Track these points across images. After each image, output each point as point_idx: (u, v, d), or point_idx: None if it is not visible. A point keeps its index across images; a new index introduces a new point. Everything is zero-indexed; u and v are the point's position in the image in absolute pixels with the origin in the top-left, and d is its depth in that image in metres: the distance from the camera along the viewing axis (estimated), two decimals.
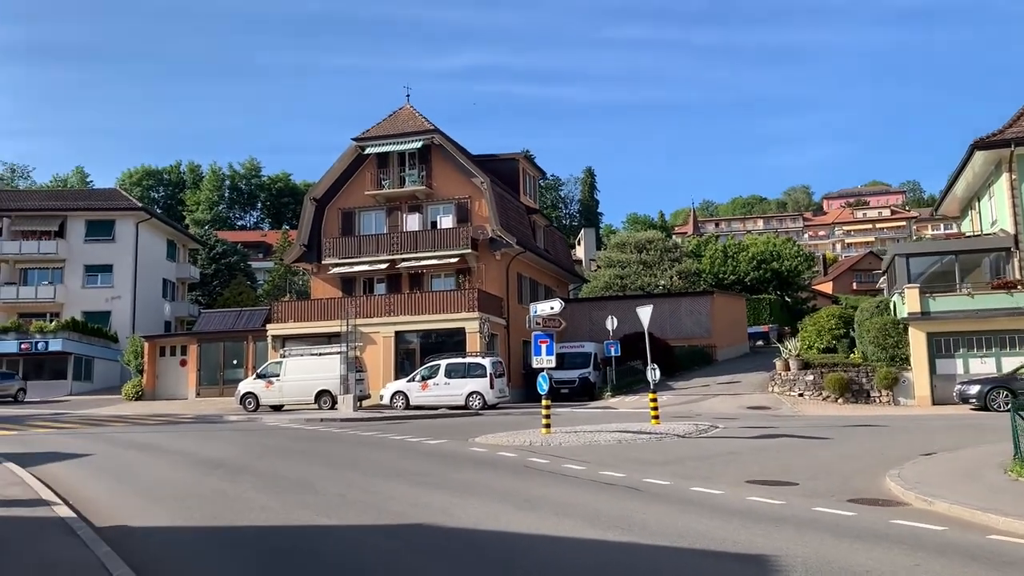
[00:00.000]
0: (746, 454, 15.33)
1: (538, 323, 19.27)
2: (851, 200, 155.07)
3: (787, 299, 63.29)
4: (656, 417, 20.21)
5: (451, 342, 34.65)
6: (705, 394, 31.90)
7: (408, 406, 30.49)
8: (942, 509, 9.61)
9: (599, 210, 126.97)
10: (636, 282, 58.02)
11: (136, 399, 39.81)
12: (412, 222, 39.15)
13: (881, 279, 40.62)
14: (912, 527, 8.80)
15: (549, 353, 19.04)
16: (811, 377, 29.97)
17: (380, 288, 39.24)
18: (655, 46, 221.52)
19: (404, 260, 37.93)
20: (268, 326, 37.94)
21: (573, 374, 34.50)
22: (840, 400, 28.82)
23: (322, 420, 25.80)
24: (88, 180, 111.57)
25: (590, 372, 35.34)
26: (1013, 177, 29.01)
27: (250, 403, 32.03)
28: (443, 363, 31.12)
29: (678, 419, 22.44)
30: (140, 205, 58.68)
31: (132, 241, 53.64)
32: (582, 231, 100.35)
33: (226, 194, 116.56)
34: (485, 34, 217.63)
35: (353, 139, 39.44)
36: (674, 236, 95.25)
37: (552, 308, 19.43)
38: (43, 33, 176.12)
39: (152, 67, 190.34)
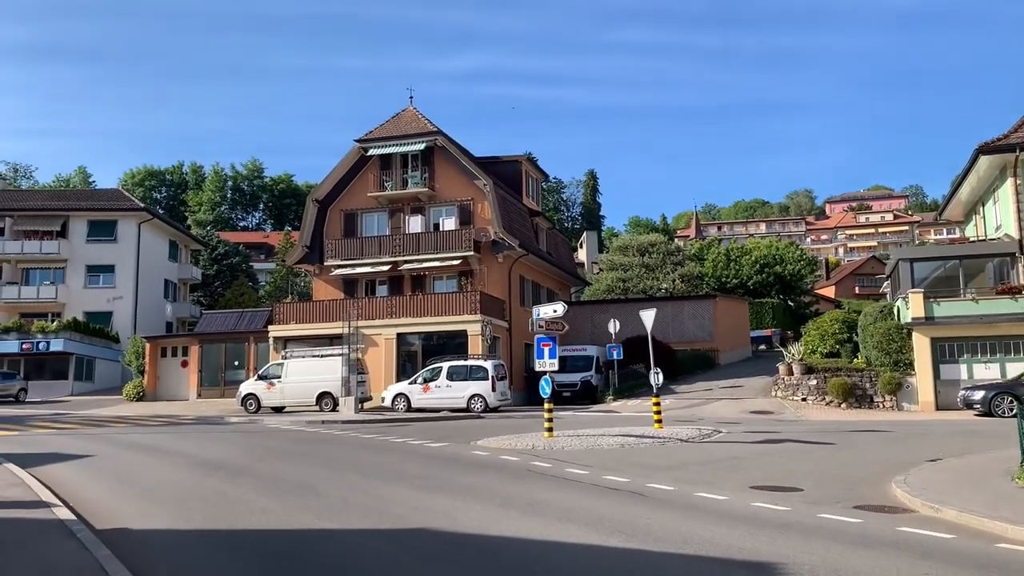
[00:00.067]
0: (749, 459, 15.24)
1: (541, 326, 19.20)
2: (854, 204, 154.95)
3: (790, 303, 63.23)
4: (659, 421, 20.12)
5: (453, 344, 34.56)
6: (707, 398, 31.80)
7: (410, 408, 30.40)
8: (950, 517, 9.51)
9: (601, 213, 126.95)
10: (638, 285, 57.96)
11: (137, 400, 39.75)
12: (414, 224, 39.08)
13: (885, 283, 40.51)
14: (920, 535, 8.71)
15: (552, 356, 18.97)
16: (814, 382, 29.87)
17: (382, 290, 39.16)
18: (657, 49, 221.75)
19: (406, 262, 37.84)
20: (270, 327, 37.87)
21: (575, 377, 34.38)
22: (843, 405, 28.72)
23: (323, 422, 25.73)
24: (90, 180, 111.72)
25: (592, 375, 35.22)
26: (1018, 182, 28.94)
27: (251, 405, 31.95)
28: (445, 365, 31.03)
29: (681, 423, 22.36)
30: (142, 205, 58.68)
31: (134, 241, 53.62)
32: (584, 234, 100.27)
33: (228, 195, 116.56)
34: (488, 36, 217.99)
35: (356, 140, 39.38)
36: (676, 239, 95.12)
37: (555, 311, 19.36)
38: (46, 33, 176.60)
39: (155, 67, 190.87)
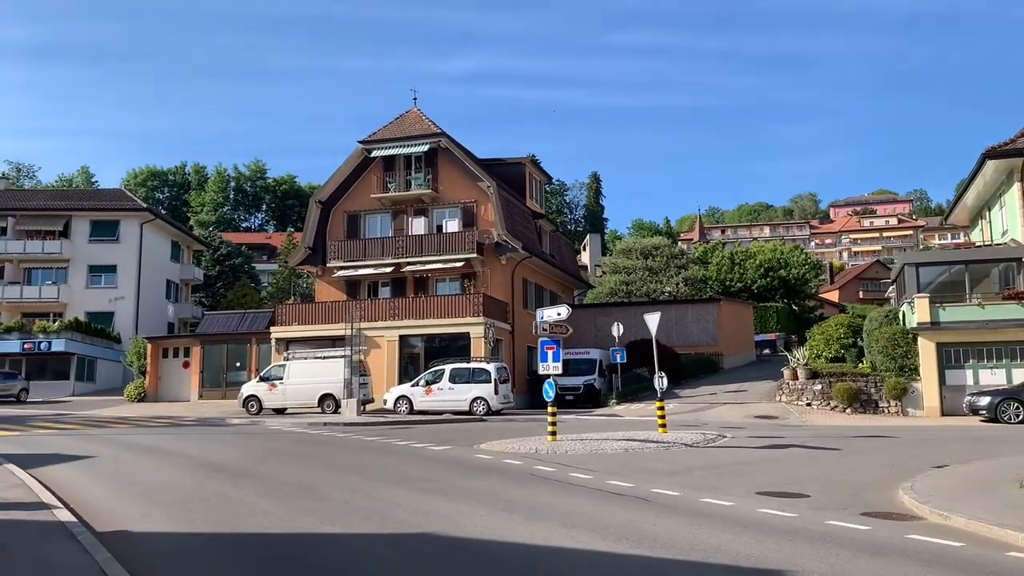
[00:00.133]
0: (755, 464, 15.13)
1: (545, 329, 19.07)
2: (858, 208, 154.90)
3: (794, 307, 63.12)
4: (663, 426, 20.00)
5: (455, 347, 34.49)
6: (712, 402, 31.69)
7: (412, 411, 30.32)
8: (959, 524, 9.40)
9: (604, 215, 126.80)
10: (642, 288, 57.84)
11: (138, 401, 39.71)
12: (418, 226, 39.01)
13: (890, 288, 40.36)
14: (929, 543, 8.60)
15: (556, 359, 18.85)
16: (819, 387, 29.74)
17: (385, 292, 39.09)
18: (660, 51, 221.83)
19: (409, 264, 37.77)
20: (272, 329, 37.81)
21: (578, 381, 34.26)
22: (848, 410, 28.60)
23: (325, 424, 25.64)
24: (93, 180, 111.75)
25: (595, 379, 35.11)
26: None
27: (253, 406, 31.88)
28: (447, 368, 30.96)
29: (685, 428, 22.25)
30: (145, 206, 58.65)
31: (136, 242, 53.60)
32: (587, 236, 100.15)
33: (231, 196, 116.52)
34: (490, 38, 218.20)
35: (359, 141, 39.33)
36: (680, 242, 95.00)
37: (559, 314, 19.23)
38: (50, 33, 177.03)
39: (158, 68, 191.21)
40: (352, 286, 39.33)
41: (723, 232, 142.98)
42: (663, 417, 20.24)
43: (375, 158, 39.19)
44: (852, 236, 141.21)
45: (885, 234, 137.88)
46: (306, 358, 32.69)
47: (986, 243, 33.10)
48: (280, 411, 32.05)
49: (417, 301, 36.48)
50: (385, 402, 31.43)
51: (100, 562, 7.53)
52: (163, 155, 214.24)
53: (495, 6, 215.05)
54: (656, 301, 50.69)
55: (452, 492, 11.83)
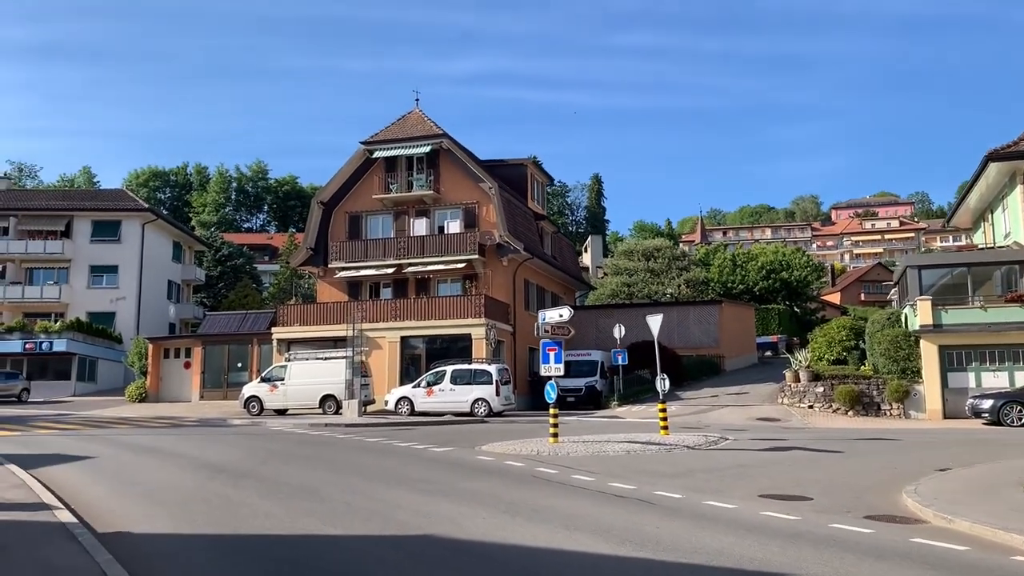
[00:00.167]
0: (757, 467, 15.09)
1: (547, 331, 19.04)
2: (859, 211, 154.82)
3: (796, 309, 63.03)
4: (665, 428, 19.96)
5: (457, 348, 34.47)
6: (713, 405, 31.65)
7: (413, 412, 30.30)
8: (963, 528, 9.36)
9: (606, 217, 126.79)
10: (643, 290, 57.77)
11: (139, 401, 39.71)
12: (419, 227, 39.01)
13: (892, 290, 40.31)
14: (933, 546, 8.56)
15: (558, 361, 18.82)
16: (821, 389, 29.70)
17: (386, 293, 39.09)
18: (662, 52, 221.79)
19: (411, 265, 37.76)
20: (273, 329, 37.80)
21: (579, 382, 34.20)
22: (850, 413, 28.55)
23: (326, 425, 25.62)
24: (95, 180, 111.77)
25: (597, 380, 35.06)
26: None
27: (254, 407, 31.87)
28: (449, 369, 30.94)
29: (687, 430, 22.20)
30: (146, 206, 58.65)
31: (138, 242, 53.61)
32: (589, 238, 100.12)
33: (232, 196, 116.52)
34: (492, 39, 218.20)
35: (361, 142, 39.34)
36: (681, 244, 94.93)
37: (561, 315, 19.20)
38: (52, 33, 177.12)
39: (160, 68, 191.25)
40: (354, 287, 39.33)
41: (724, 234, 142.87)
42: (665, 419, 20.20)
43: (377, 159, 39.18)
44: (853, 238, 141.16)
45: (887, 236, 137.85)
46: (307, 359, 32.68)
47: (989, 246, 33.06)
48: (281, 412, 32.04)
49: (419, 302, 36.47)
50: (386, 403, 31.41)
51: (101, 563, 7.49)
52: (165, 155, 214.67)
53: (496, 7, 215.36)
54: (658, 303, 50.62)
55: (454, 494, 11.79)
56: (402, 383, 33.37)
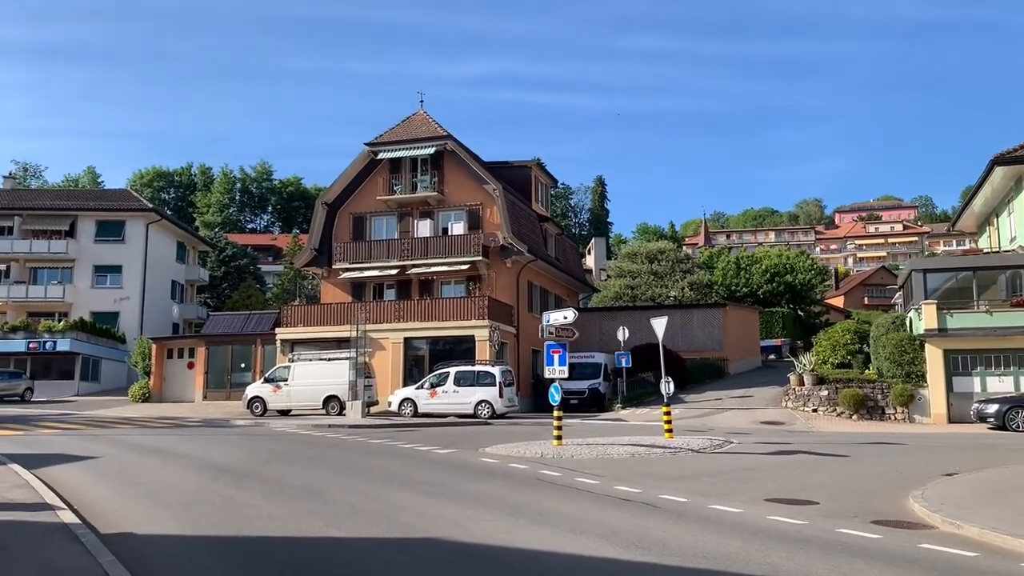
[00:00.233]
0: (762, 471, 15.02)
1: (551, 332, 18.97)
2: (863, 214, 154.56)
3: (800, 313, 62.90)
4: (670, 431, 19.89)
5: (460, 350, 34.43)
6: (717, 408, 31.57)
7: (416, 413, 30.26)
8: (972, 534, 9.27)
9: (609, 219, 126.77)
10: (647, 293, 57.71)
11: (143, 401, 39.72)
12: (423, 228, 38.99)
13: (896, 294, 40.23)
14: (942, 552, 8.49)
15: (562, 363, 18.75)
16: (825, 392, 29.60)
17: (390, 294, 39.06)
18: (666, 56, 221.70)
19: (415, 266, 37.75)
20: (277, 330, 37.79)
21: (583, 385, 34.13)
22: (855, 416, 28.46)
23: (330, 426, 25.59)
24: (99, 180, 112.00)
25: (600, 383, 34.99)
26: None
27: (257, 407, 31.85)
28: (452, 371, 30.89)
29: (691, 433, 22.13)
30: (150, 206, 58.68)
31: (142, 242, 53.63)
32: (592, 240, 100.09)
33: (237, 197, 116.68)
34: (496, 42, 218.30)
35: (366, 144, 39.32)
36: (685, 247, 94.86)
37: (565, 317, 19.12)
38: (57, 34, 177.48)
39: (165, 69, 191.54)
40: (357, 288, 39.31)
41: (728, 237, 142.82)
42: (669, 422, 20.14)
43: (381, 160, 39.16)
44: (857, 242, 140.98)
45: (890, 240, 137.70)
46: (311, 360, 32.66)
47: (994, 250, 32.98)
48: (285, 412, 32.01)
49: (422, 303, 36.44)
50: (390, 404, 31.38)
51: (104, 564, 7.45)
52: (169, 156, 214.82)
53: (500, 10, 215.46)
54: (661, 306, 50.56)
55: (458, 496, 11.74)
56: (405, 384, 33.34)
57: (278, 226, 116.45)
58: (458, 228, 38.58)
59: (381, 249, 38.49)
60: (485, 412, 29.57)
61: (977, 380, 27.71)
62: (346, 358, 30.70)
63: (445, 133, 38.89)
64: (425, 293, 38.24)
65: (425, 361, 35.34)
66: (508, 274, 37.78)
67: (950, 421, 27.28)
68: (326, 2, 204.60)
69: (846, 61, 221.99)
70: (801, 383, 30.57)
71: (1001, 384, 27.23)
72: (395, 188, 39.33)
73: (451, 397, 30.25)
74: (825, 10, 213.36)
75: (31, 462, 14.92)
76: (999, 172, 29.40)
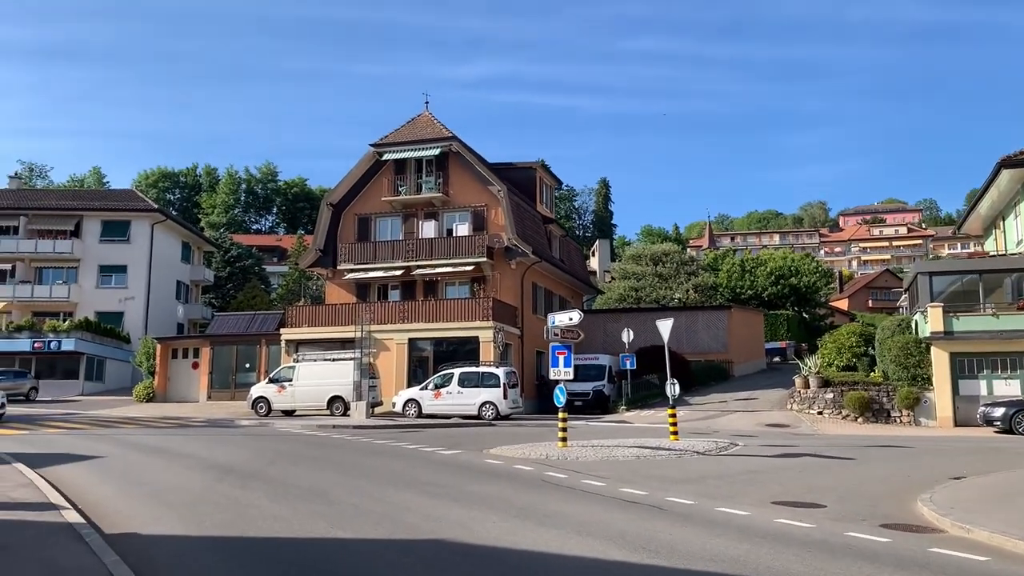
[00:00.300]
0: (768, 473, 14.95)
1: (556, 334, 18.92)
2: (867, 217, 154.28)
3: (804, 315, 62.80)
4: (675, 433, 19.83)
5: (464, 351, 34.39)
6: (722, 410, 31.47)
7: (420, 414, 30.21)
8: (982, 538, 9.20)
9: (613, 221, 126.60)
10: (651, 295, 57.65)
11: (147, 401, 39.72)
12: (428, 229, 38.96)
13: (902, 297, 40.11)
14: (952, 556, 8.41)
15: (567, 365, 18.68)
16: (831, 395, 29.50)
17: (394, 295, 39.04)
18: (671, 59, 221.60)
19: (419, 267, 37.72)
20: (282, 330, 37.80)
21: (587, 386, 34.08)
22: (860, 419, 28.35)
23: (334, 426, 25.57)
24: (104, 180, 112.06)
25: (604, 385, 34.94)
26: None
27: (262, 408, 31.84)
28: (456, 372, 30.85)
29: (696, 435, 22.07)
30: (156, 206, 58.72)
31: (147, 242, 53.64)
32: (596, 242, 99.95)
33: (242, 198, 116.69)
34: (501, 44, 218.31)
35: (371, 145, 39.31)
36: (689, 249, 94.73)
37: (571, 319, 19.07)
38: (62, 34, 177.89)
39: (170, 69, 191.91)
40: (362, 288, 39.30)
41: (732, 239, 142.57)
42: (675, 424, 20.07)
43: (386, 161, 39.14)
44: (861, 245, 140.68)
45: (894, 243, 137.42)
46: (315, 360, 32.64)
47: (1000, 253, 32.84)
48: (289, 413, 32.00)
49: (427, 304, 36.40)
50: (394, 405, 31.34)
51: (108, 565, 7.43)
52: (174, 156, 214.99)
53: (505, 12, 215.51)
54: (666, 308, 50.51)
55: (463, 498, 11.69)
56: (410, 385, 33.31)
57: (283, 227, 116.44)
58: (463, 229, 38.55)
59: (386, 250, 38.48)
60: (489, 413, 29.52)
61: (983, 383, 27.59)
62: (350, 359, 30.69)
63: (450, 134, 38.86)
64: (429, 294, 38.21)
65: (429, 362, 35.30)
66: (512, 275, 37.73)
67: (956, 424, 27.17)
68: (330, 3, 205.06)
69: (850, 65, 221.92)
70: (806, 385, 30.48)
71: (1008, 387, 27.11)
72: (400, 189, 39.31)
73: (455, 398, 30.21)
74: (828, 12, 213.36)
75: (35, 461, 14.91)
76: (1006, 175, 29.27)
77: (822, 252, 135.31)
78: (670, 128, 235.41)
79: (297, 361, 33.22)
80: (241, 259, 71.97)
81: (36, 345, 46.33)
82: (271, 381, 32.70)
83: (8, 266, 52.24)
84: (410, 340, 35.61)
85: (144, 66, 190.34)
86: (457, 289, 38.57)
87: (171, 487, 12.90)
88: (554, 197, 49.65)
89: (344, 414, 30.26)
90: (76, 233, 53.38)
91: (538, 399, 36.46)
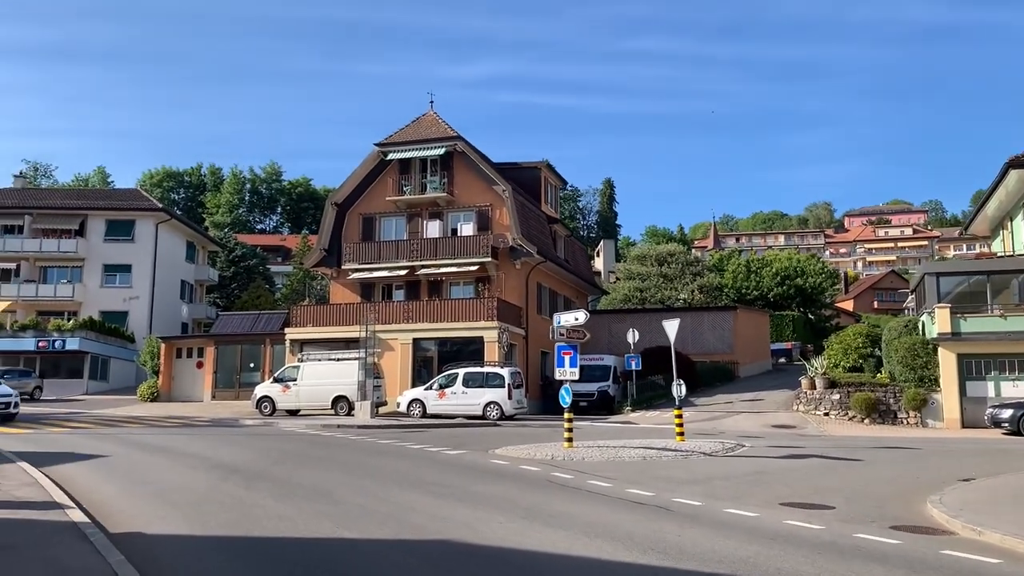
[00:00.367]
0: (775, 474, 14.85)
1: (562, 334, 18.84)
2: (873, 218, 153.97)
3: (810, 316, 62.66)
4: (681, 434, 19.74)
5: (469, 351, 34.32)
6: (728, 411, 31.36)
7: (425, 414, 30.15)
8: (994, 540, 9.11)
9: (617, 222, 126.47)
10: (656, 295, 57.55)
11: (151, 400, 39.71)
12: (432, 229, 38.90)
13: (908, 298, 39.95)
14: (964, 559, 8.32)
15: (573, 365, 18.62)
16: (837, 396, 29.37)
17: (399, 295, 38.99)
18: (675, 59, 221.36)
19: (424, 267, 37.66)
20: (286, 330, 37.76)
21: (592, 387, 33.96)
22: (866, 420, 28.23)
23: (339, 426, 25.51)
24: (109, 180, 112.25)
25: (609, 385, 34.83)
26: None
27: (266, 407, 31.79)
28: (461, 372, 30.79)
29: (702, 436, 21.97)
30: (160, 206, 58.75)
31: (151, 242, 53.68)
32: (601, 242, 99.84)
33: (246, 197, 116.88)
34: (504, 44, 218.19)
35: (376, 144, 39.25)
36: (694, 250, 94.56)
37: (576, 319, 19.00)
38: (68, 34, 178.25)
39: (174, 70, 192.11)
40: (367, 288, 39.25)
41: (737, 240, 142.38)
42: (681, 425, 19.98)
43: (391, 161, 39.09)
44: (867, 246, 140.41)
45: (900, 244, 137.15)
46: (320, 360, 32.60)
47: (1008, 253, 32.69)
48: (293, 412, 31.95)
49: (431, 304, 36.34)
50: (398, 405, 31.29)
51: (113, 564, 7.37)
52: (179, 156, 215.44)
53: (508, 12, 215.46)
54: (671, 308, 50.43)
55: (469, 498, 11.62)
56: (414, 385, 33.26)
57: (287, 227, 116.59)
58: (467, 229, 38.48)
59: (390, 250, 38.43)
60: (494, 413, 29.45)
61: (991, 385, 27.46)
62: (355, 358, 30.63)
63: (455, 134, 38.80)
64: (434, 294, 38.15)
65: (434, 362, 35.25)
66: (517, 275, 37.66)
67: (963, 426, 27.04)
68: (333, 3, 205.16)
69: (855, 65, 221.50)
70: (812, 386, 30.36)
71: (1015, 389, 26.96)
72: (404, 189, 39.26)
73: (460, 398, 30.15)
74: (829, 12, 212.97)
75: (40, 460, 14.87)
76: (1014, 175, 29.13)
77: (827, 253, 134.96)
78: (673, 129, 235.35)
79: (302, 361, 33.19)
80: (245, 259, 72.02)
81: (40, 344, 46.37)
82: (275, 381, 32.66)
83: (13, 265, 52.29)
84: (414, 340, 35.56)
85: (146, 66, 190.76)
86: (461, 289, 38.51)
87: (176, 486, 12.85)
88: (559, 197, 49.54)
89: (348, 414, 30.21)
90: (81, 232, 53.44)
91: (542, 400, 36.38)
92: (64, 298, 51.87)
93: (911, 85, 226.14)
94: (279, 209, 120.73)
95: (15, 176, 66.98)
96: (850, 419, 28.65)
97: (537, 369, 38.35)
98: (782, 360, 52.22)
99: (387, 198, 39.19)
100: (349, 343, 33.46)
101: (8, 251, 52.25)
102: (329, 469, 14.85)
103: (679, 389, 20.64)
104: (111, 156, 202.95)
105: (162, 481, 13.45)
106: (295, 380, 31.99)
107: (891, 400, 28.61)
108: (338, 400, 31.11)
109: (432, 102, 41.88)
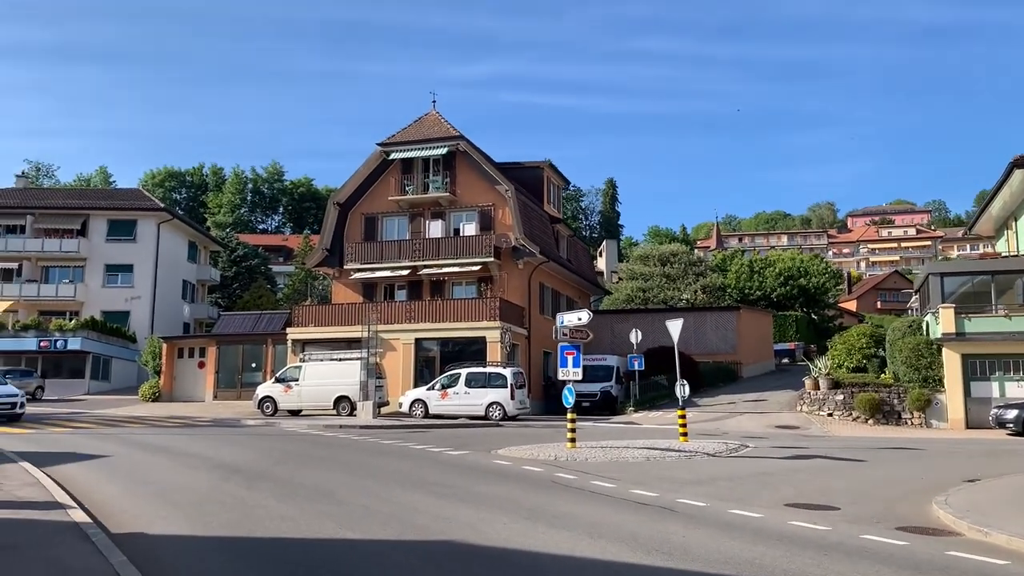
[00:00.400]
0: (780, 475, 14.80)
1: (565, 334, 18.79)
2: (876, 218, 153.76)
3: (813, 316, 62.56)
4: (685, 434, 19.67)
5: (471, 351, 34.25)
6: (731, 412, 31.28)
7: (427, 414, 30.09)
8: (1000, 541, 9.04)
9: (620, 222, 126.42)
10: (659, 295, 57.47)
11: (153, 400, 39.67)
12: (435, 229, 38.84)
13: (912, 298, 39.86)
14: (971, 560, 8.27)
15: (576, 365, 18.57)
16: (841, 397, 29.29)
17: (401, 294, 38.93)
18: (678, 59, 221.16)
19: (426, 267, 37.60)
20: (288, 330, 37.70)
21: (595, 387, 33.87)
22: (871, 421, 28.15)
23: (341, 426, 25.47)
24: (111, 180, 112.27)
25: (612, 386, 34.74)
26: None
27: (268, 407, 31.75)
28: (463, 372, 30.72)
29: (705, 437, 21.91)
30: (162, 206, 58.64)
31: (153, 241, 53.63)
32: (604, 242, 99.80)
33: (248, 197, 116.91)
34: (506, 44, 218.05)
35: (378, 144, 39.20)
36: (697, 250, 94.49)
37: (580, 319, 18.96)
38: (70, 34, 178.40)
39: (176, 70, 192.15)
40: (369, 288, 39.20)
41: (740, 240, 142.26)
42: (684, 425, 19.92)
43: (393, 160, 39.03)
44: (870, 246, 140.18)
45: (903, 244, 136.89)
46: (322, 360, 32.55)
47: (1012, 253, 32.60)
48: (295, 412, 31.91)
49: (433, 304, 36.28)
50: (400, 405, 31.23)
51: (115, 565, 7.33)
52: (181, 156, 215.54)
53: (511, 12, 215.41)
54: (673, 308, 50.34)
55: (472, 498, 11.57)
56: (416, 385, 33.19)
57: (289, 227, 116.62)
58: (470, 229, 38.41)
59: (392, 250, 38.37)
60: (496, 414, 29.39)
61: (995, 385, 27.38)
62: (357, 358, 30.58)
63: (457, 133, 38.73)
64: (436, 294, 38.09)
65: (436, 362, 35.18)
66: (520, 275, 37.60)
67: (968, 427, 26.96)
68: (335, 3, 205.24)
69: (858, 65, 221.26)
70: (816, 387, 30.28)
71: (1020, 389, 26.88)
72: (407, 188, 39.20)
73: (462, 398, 30.08)
74: (830, 12, 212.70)
75: (42, 460, 14.84)
76: (1018, 175, 29.05)
77: (830, 253, 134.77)
78: (674, 129, 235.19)
79: (303, 361, 33.15)
80: (247, 259, 71.97)
81: (42, 344, 46.32)
82: (277, 381, 32.62)
83: (15, 265, 52.26)
84: (417, 340, 35.50)
85: (147, 66, 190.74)
86: (464, 289, 38.45)
87: (177, 487, 12.81)
88: (561, 197, 49.47)
89: (350, 414, 30.16)
90: (82, 232, 53.40)
91: (545, 400, 36.32)
92: (66, 298, 51.83)
93: (914, 85, 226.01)
94: (281, 209, 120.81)
95: (17, 176, 66.99)
96: (854, 420, 28.57)
97: (540, 369, 38.29)
98: (785, 360, 52.10)
99: (389, 198, 39.13)
100: (351, 343, 33.41)
101: (10, 251, 52.19)
102: (331, 469, 14.80)
103: (682, 389, 20.58)
104: (112, 156, 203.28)
105: (164, 481, 13.41)
106: (297, 380, 31.94)
107: (895, 401, 28.54)
108: (340, 400, 31.06)
109: (435, 102, 41.85)
